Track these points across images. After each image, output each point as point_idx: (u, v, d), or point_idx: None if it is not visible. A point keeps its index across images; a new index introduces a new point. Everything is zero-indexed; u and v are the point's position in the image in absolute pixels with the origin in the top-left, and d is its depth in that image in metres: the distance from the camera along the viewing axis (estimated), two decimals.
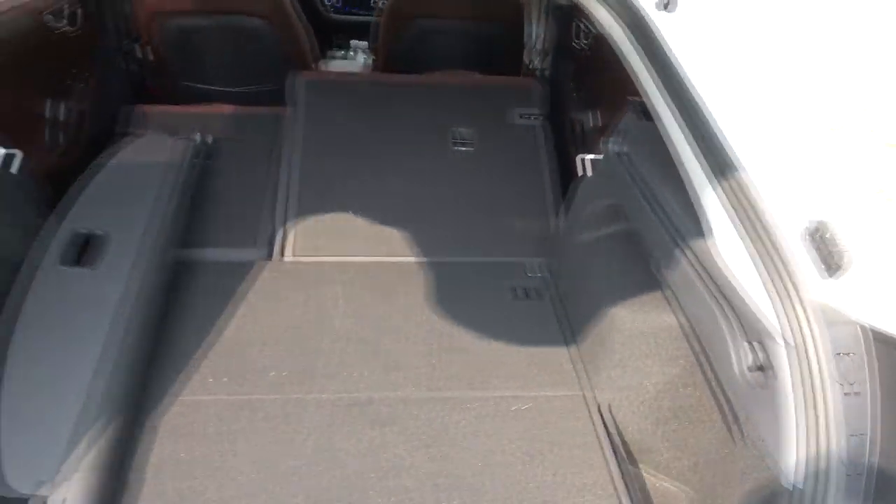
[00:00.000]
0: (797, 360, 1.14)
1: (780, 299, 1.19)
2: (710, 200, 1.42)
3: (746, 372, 1.32)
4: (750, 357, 1.30)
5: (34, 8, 2.63)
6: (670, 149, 1.55)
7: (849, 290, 1.20)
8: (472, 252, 2.46)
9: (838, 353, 1.17)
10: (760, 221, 1.26)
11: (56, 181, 2.39)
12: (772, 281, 1.20)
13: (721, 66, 1.50)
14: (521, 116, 2.88)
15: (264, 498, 1.57)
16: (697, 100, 1.44)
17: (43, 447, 1.55)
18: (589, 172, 2.23)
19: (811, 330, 1.14)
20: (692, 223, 1.54)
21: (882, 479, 1.13)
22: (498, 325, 2.12)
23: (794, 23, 1.53)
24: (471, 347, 2.03)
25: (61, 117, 2.75)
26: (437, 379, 1.91)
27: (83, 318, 1.81)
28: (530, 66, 3.64)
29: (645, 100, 1.62)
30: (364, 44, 4.09)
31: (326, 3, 4.29)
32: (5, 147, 2.03)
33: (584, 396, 1.89)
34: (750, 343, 1.30)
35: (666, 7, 1.57)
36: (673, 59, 1.49)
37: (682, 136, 1.46)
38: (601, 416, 1.83)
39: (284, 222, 2.48)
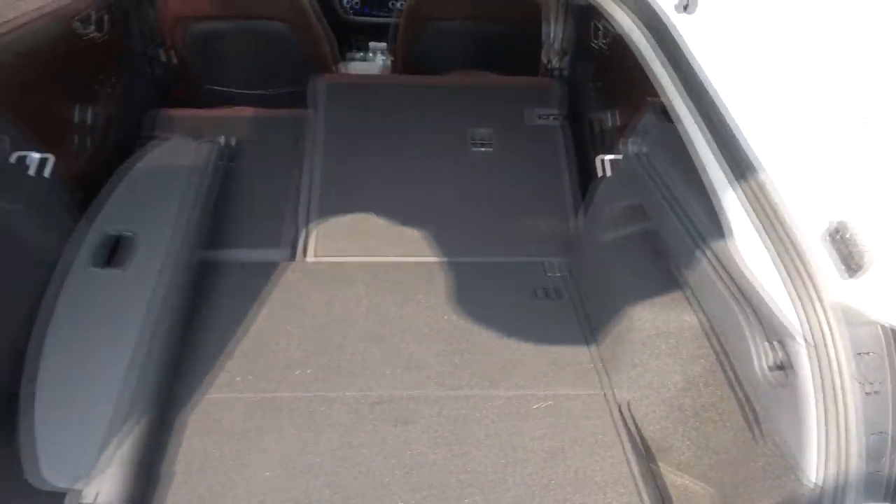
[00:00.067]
0: (818, 360, 1.15)
1: (801, 299, 1.20)
2: (731, 201, 1.42)
3: (767, 371, 1.33)
4: (771, 356, 1.31)
5: (63, 14, 2.70)
6: (690, 150, 1.56)
7: (869, 291, 1.21)
8: (492, 252, 2.47)
9: (859, 353, 1.18)
10: (781, 222, 1.26)
11: (84, 184, 2.44)
12: (792, 281, 1.21)
13: (740, 67, 1.51)
14: (539, 117, 2.89)
15: (292, 493, 1.60)
16: (717, 101, 1.44)
17: (77, 443, 1.60)
18: (608, 173, 2.24)
19: (832, 330, 1.14)
20: (712, 223, 1.55)
21: None
22: (518, 324, 2.13)
23: (813, 24, 1.53)
24: (491, 346, 2.05)
25: (89, 122, 2.81)
26: (458, 377, 1.93)
27: (114, 318, 1.86)
28: (549, 67, 3.64)
29: (664, 101, 1.63)
30: (383, 45, 4.11)
31: (345, 4, 4.32)
32: (38, 152, 2.09)
33: (605, 395, 1.90)
34: (771, 343, 1.31)
35: (686, 9, 1.58)
36: (692, 61, 1.50)
37: (701, 137, 1.47)
38: (621, 414, 1.84)
39: (307, 223, 2.52)
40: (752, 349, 1.36)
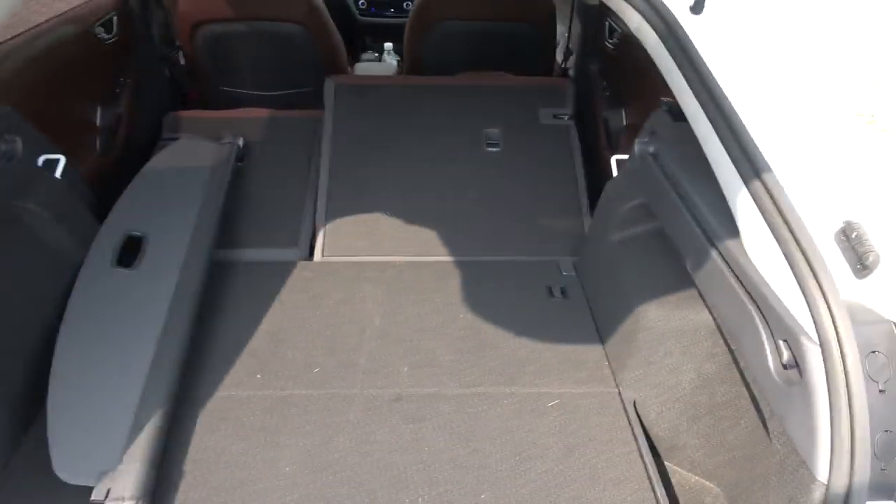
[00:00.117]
0: (829, 359, 1.17)
1: (812, 298, 1.21)
2: (742, 200, 1.44)
3: (779, 370, 1.34)
4: (783, 355, 1.32)
5: (82, 18, 2.75)
6: (704, 149, 1.57)
7: (880, 289, 1.22)
8: (506, 251, 2.49)
9: (871, 352, 1.20)
10: (792, 221, 1.28)
11: (105, 185, 2.50)
12: (803, 280, 1.23)
13: (751, 67, 1.52)
14: (553, 116, 2.91)
15: (311, 488, 1.63)
16: (729, 101, 1.46)
17: (92, 439, 1.63)
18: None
19: (843, 328, 1.16)
20: (724, 222, 1.56)
21: None
22: (533, 322, 2.15)
23: (822, 25, 1.54)
24: (506, 345, 2.07)
25: (107, 124, 2.87)
26: (473, 375, 1.96)
27: (133, 316, 1.90)
28: (562, 66, 3.65)
29: (678, 100, 1.64)
30: (397, 46, 4.13)
31: (360, 5, 4.34)
32: (54, 153, 2.14)
33: (620, 393, 1.92)
34: (783, 341, 1.32)
35: (695, 9, 1.59)
36: (704, 60, 1.51)
37: (714, 137, 1.48)
38: (636, 411, 1.86)
39: (322, 223, 2.55)
40: (764, 348, 1.38)
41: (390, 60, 4.18)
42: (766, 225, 1.32)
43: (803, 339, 1.25)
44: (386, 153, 2.77)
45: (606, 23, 3.00)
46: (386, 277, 2.34)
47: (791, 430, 1.29)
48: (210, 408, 1.83)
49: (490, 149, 2.79)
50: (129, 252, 2.08)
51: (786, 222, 1.28)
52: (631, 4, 1.66)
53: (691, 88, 1.53)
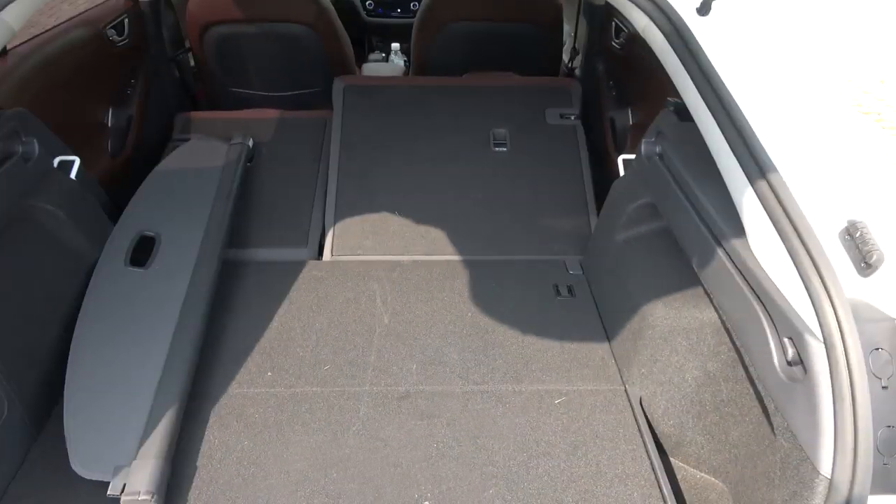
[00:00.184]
0: (833, 356, 1.18)
1: (816, 296, 1.22)
2: (748, 199, 1.45)
3: (784, 367, 1.36)
4: (788, 352, 1.34)
5: (93, 21, 2.79)
6: (710, 149, 1.59)
7: (883, 287, 1.24)
8: (513, 250, 2.50)
9: (874, 349, 1.21)
10: (797, 220, 1.29)
11: (115, 186, 2.53)
12: (808, 278, 1.24)
13: (757, 68, 1.53)
14: (560, 116, 2.92)
15: (322, 483, 1.65)
16: (734, 100, 1.47)
17: (108, 435, 1.65)
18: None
19: (846, 326, 1.17)
20: (729, 221, 1.57)
21: None
22: (540, 321, 2.17)
23: (826, 26, 1.55)
24: (513, 343, 2.09)
25: (119, 125, 2.90)
26: (481, 373, 1.98)
27: (147, 315, 1.93)
28: (569, 66, 3.66)
29: (684, 100, 1.66)
30: (404, 46, 4.15)
31: (367, 6, 4.36)
32: (69, 154, 2.17)
33: (626, 390, 1.93)
34: (787, 338, 1.34)
35: (702, 10, 1.61)
36: (710, 61, 1.53)
37: (720, 137, 1.49)
38: (642, 409, 1.87)
39: (333, 223, 2.57)
40: (768, 345, 1.39)
41: (397, 61, 4.20)
42: (771, 224, 1.34)
43: (808, 337, 1.26)
44: (394, 153, 2.79)
45: (613, 23, 3.01)
46: (394, 276, 2.36)
47: (795, 426, 1.31)
48: (221, 405, 1.86)
49: (497, 149, 2.81)
50: (143, 251, 2.11)
51: (791, 221, 1.29)
52: (637, 6, 1.67)
53: (697, 89, 1.54)
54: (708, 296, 1.72)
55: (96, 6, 2.93)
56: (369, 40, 4.55)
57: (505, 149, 2.81)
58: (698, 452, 1.76)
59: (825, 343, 1.19)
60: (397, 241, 2.53)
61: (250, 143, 2.74)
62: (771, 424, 1.43)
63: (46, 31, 2.61)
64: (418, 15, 3.34)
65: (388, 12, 4.37)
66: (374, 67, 4.09)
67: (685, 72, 1.58)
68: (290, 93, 3.38)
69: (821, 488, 1.21)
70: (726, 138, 1.47)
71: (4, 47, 2.21)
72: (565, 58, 3.73)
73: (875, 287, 1.25)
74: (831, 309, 1.18)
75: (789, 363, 1.32)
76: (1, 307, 1.75)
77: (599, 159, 2.94)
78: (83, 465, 1.61)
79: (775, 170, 1.36)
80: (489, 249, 2.50)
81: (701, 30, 1.57)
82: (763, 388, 1.45)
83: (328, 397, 1.89)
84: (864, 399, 1.12)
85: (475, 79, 3.16)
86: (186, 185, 2.40)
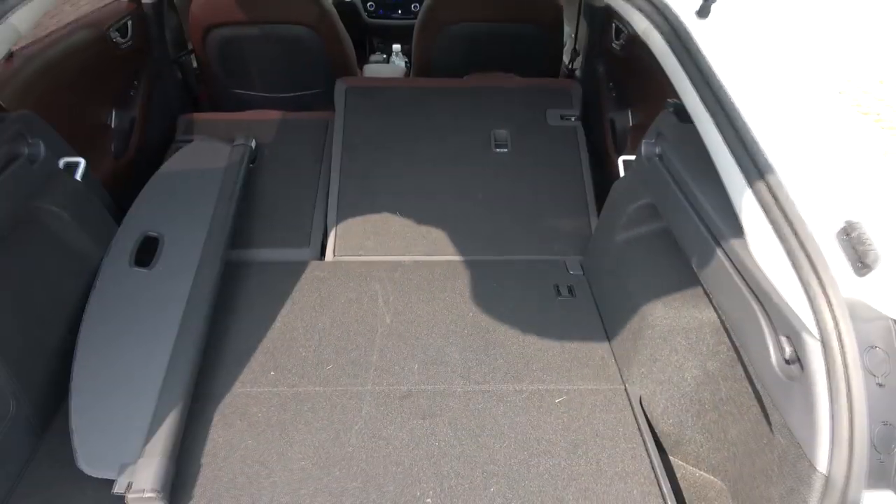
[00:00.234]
0: (829, 354, 1.20)
1: (814, 296, 1.24)
2: (746, 200, 1.47)
3: (782, 365, 1.37)
4: (786, 351, 1.35)
5: (97, 23, 2.80)
6: (709, 150, 1.60)
7: (879, 287, 1.26)
8: (514, 251, 2.52)
9: (870, 347, 1.23)
10: (794, 221, 1.31)
11: (118, 187, 2.55)
12: (805, 278, 1.26)
13: (755, 69, 1.55)
14: (561, 118, 2.93)
15: (325, 481, 1.67)
16: (733, 102, 1.49)
17: (114, 434, 1.67)
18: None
19: (843, 325, 1.19)
20: (728, 222, 1.59)
21: None
22: (540, 321, 2.18)
23: (823, 29, 1.57)
24: (514, 342, 2.10)
25: (122, 126, 2.92)
26: (482, 372, 1.99)
27: (152, 315, 1.95)
28: (569, 68, 3.67)
29: (684, 101, 1.67)
30: (405, 47, 4.16)
31: (368, 7, 4.38)
32: (74, 156, 2.19)
33: (626, 389, 1.95)
34: (785, 337, 1.35)
35: (701, 13, 1.63)
36: (710, 63, 1.55)
37: (719, 138, 1.51)
38: (642, 408, 1.89)
39: (335, 224, 2.59)
40: (766, 343, 1.41)
41: (398, 62, 4.21)
42: (769, 224, 1.35)
43: (805, 335, 1.28)
44: (396, 154, 2.81)
45: (613, 24, 3.03)
46: (396, 277, 2.37)
47: (792, 424, 1.32)
48: (225, 404, 1.87)
49: (498, 149, 2.82)
50: (147, 252, 2.13)
51: (788, 222, 1.31)
52: (638, 9, 1.69)
53: (697, 91, 1.56)
54: (707, 295, 1.74)
55: (100, 8, 2.95)
56: (370, 41, 4.56)
57: (506, 150, 2.82)
58: (697, 451, 1.77)
59: (822, 341, 1.20)
60: (399, 241, 2.54)
61: (253, 144, 2.75)
62: (769, 422, 1.45)
63: (50, 32, 2.62)
64: (419, 16, 3.36)
65: (389, 13, 4.38)
66: (375, 69, 4.11)
67: (684, 74, 1.60)
68: (292, 94, 3.40)
69: (818, 484, 1.23)
70: (725, 140, 1.48)
71: (10, 50, 2.23)
72: (566, 59, 3.74)
73: (871, 286, 1.26)
74: (828, 308, 1.20)
75: (787, 361, 1.34)
76: (8, 307, 1.76)
77: (600, 160, 2.95)
78: (89, 463, 1.63)
79: (773, 171, 1.37)
80: (490, 250, 2.52)
81: (700, 32, 1.58)
82: (761, 386, 1.46)
83: (331, 396, 1.90)
84: (860, 396, 1.14)
85: (476, 80, 3.17)
86: (189, 186, 2.41)
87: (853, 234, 1.26)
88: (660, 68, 1.74)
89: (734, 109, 1.47)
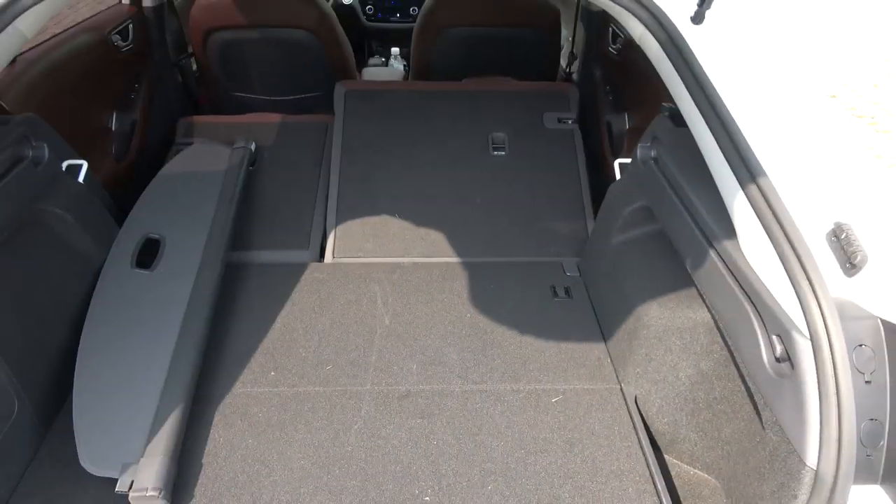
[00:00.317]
0: (818, 352, 1.22)
1: (803, 295, 1.26)
2: (739, 203, 1.49)
3: (773, 363, 1.40)
4: (776, 349, 1.38)
5: (98, 26, 2.83)
6: (703, 153, 1.63)
7: (867, 287, 1.28)
8: (511, 253, 2.54)
9: (858, 345, 1.26)
10: (785, 223, 1.33)
11: (119, 189, 2.57)
12: (796, 279, 1.28)
13: (749, 74, 1.57)
14: (558, 121, 2.96)
15: (325, 480, 1.69)
16: (727, 107, 1.51)
17: (116, 433, 1.69)
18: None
19: (832, 324, 1.21)
20: (722, 224, 1.62)
21: None
22: (537, 322, 2.20)
23: (821, 28, 1.59)
24: (511, 343, 2.12)
25: (123, 129, 2.94)
26: (479, 373, 2.01)
27: (153, 316, 1.96)
28: (566, 71, 3.70)
29: (678, 106, 1.70)
30: (404, 51, 4.18)
31: (367, 10, 4.40)
32: (76, 159, 2.21)
33: (621, 389, 1.97)
34: (776, 336, 1.38)
35: (696, 19, 1.65)
36: (704, 69, 1.57)
37: (713, 142, 1.53)
38: (637, 407, 1.91)
39: (334, 226, 2.61)
40: (758, 342, 1.43)
41: (397, 65, 4.23)
42: (761, 226, 1.38)
43: (795, 334, 1.31)
44: (394, 157, 2.82)
45: (610, 28, 3.05)
46: (395, 278, 2.39)
47: (783, 420, 1.35)
48: (226, 404, 1.89)
49: (496, 152, 2.84)
50: (148, 254, 2.15)
51: (780, 224, 1.33)
52: (634, 14, 1.71)
53: (691, 96, 1.58)
54: (701, 296, 1.76)
55: (101, 12, 2.98)
56: (369, 45, 4.58)
57: (504, 153, 2.84)
58: (692, 449, 1.80)
59: (811, 340, 1.23)
60: (398, 243, 2.56)
61: (253, 147, 2.77)
62: (761, 420, 1.47)
63: (53, 36, 2.65)
64: (418, 20, 3.38)
65: (388, 17, 4.40)
66: (373, 72, 4.13)
67: (679, 79, 1.62)
68: (291, 97, 3.42)
69: (807, 479, 1.26)
70: (718, 144, 1.51)
71: None
72: (563, 63, 3.76)
73: (859, 286, 1.29)
74: (817, 307, 1.23)
75: (777, 360, 1.37)
76: (11, 308, 1.78)
77: (596, 163, 2.98)
78: (92, 462, 1.65)
79: (765, 174, 1.40)
80: (488, 252, 2.54)
81: (695, 38, 1.61)
82: (753, 384, 1.49)
83: (330, 397, 1.92)
84: (849, 393, 1.17)
85: (474, 83, 3.20)
86: (190, 188, 2.43)
87: (842, 236, 1.29)
88: (655, 73, 1.77)
89: (728, 114, 1.50)
